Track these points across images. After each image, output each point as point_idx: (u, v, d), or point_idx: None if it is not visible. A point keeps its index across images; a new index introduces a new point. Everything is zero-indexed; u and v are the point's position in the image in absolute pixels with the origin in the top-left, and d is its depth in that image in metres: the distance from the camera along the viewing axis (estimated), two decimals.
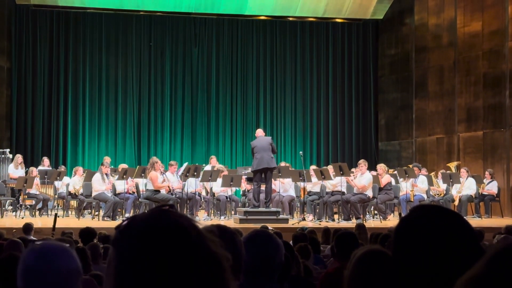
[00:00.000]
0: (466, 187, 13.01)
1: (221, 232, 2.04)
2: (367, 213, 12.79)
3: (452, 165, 14.70)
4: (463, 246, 1.41)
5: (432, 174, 14.13)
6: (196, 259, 1.11)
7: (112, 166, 13.73)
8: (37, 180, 12.98)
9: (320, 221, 11.87)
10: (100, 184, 12.16)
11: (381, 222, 11.94)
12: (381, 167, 12.60)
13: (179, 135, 17.42)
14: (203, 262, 1.11)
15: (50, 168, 14.15)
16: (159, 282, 1.09)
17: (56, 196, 13.59)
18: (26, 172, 13.43)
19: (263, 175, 11.31)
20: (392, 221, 12.02)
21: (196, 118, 17.46)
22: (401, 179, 13.15)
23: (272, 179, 11.72)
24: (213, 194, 12.97)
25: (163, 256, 1.10)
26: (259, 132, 11.82)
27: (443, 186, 13.49)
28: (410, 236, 1.45)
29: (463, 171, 13.31)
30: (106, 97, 17.13)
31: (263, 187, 11.54)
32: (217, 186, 12.86)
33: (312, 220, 12.17)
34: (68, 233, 6.94)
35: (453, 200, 12.92)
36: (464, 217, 1.51)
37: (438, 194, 13.47)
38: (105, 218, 11.70)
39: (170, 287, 1.09)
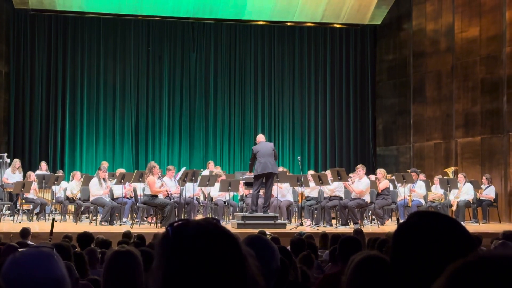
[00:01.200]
0: (464, 192, 13.01)
1: None
2: (365, 218, 12.78)
3: (450, 170, 14.70)
4: (461, 252, 1.40)
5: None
6: (244, 268, 1.20)
7: (109, 171, 13.70)
8: (34, 185, 12.97)
9: (318, 226, 11.87)
10: (98, 189, 12.14)
11: (378, 227, 11.94)
12: (380, 171, 12.61)
13: (177, 140, 17.40)
14: (248, 271, 1.20)
15: (48, 173, 14.13)
16: (210, 284, 1.15)
17: (54, 200, 13.57)
18: (24, 177, 13.42)
19: (264, 179, 11.30)
20: (390, 226, 12.01)
21: (194, 122, 17.45)
22: (399, 184, 13.15)
23: None
24: (211, 199, 12.97)
25: (216, 260, 1.16)
26: (261, 137, 11.79)
27: (440, 191, 13.48)
28: (408, 242, 1.45)
29: (460, 176, 13.31)
30: (104, 101, 17.11)
31: (261, 192, 11.53)
32: (215, 191, 12.85)
33: (310, 225, 12.16)
34: (67, 237, 6.94)
35: (451, 206, 12.92)
36: (462, 223, 1.51)
37: (438, 199, 13.46)
38: (103, 223, 11.67)
39: None
